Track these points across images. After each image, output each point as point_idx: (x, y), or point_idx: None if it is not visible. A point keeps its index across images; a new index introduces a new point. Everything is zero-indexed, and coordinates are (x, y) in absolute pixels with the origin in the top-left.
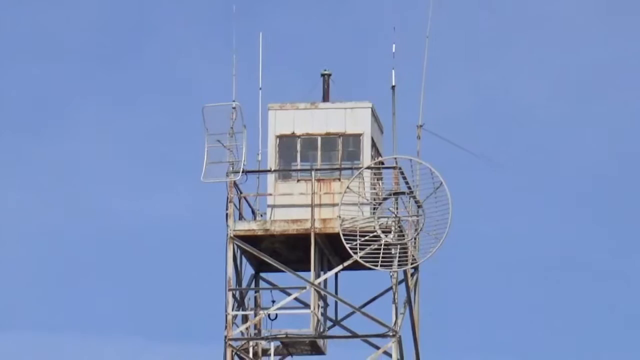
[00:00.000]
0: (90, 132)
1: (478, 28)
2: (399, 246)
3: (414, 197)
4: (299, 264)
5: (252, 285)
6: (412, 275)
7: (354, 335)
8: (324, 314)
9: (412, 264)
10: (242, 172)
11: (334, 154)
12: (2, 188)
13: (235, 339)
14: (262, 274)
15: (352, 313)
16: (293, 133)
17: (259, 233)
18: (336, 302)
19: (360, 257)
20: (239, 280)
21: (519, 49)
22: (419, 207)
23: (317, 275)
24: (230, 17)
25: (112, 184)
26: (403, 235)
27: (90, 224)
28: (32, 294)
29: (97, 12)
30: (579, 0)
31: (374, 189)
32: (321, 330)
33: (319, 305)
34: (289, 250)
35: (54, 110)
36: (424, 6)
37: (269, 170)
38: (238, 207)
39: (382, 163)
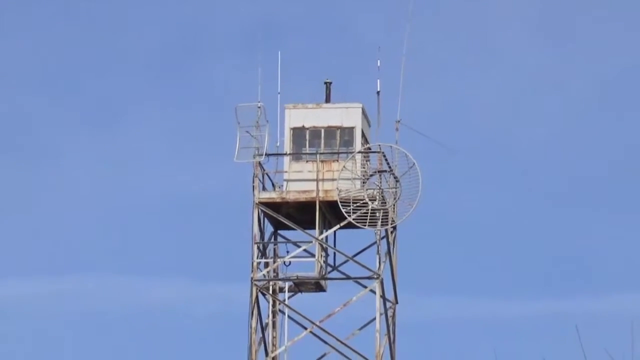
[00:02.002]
0: (152, 125)
1: (443, 48)
2: (382, 211)
3: (393, 174)
4: (307, 224)
5: (272, 240)
6: (391, 232)
7: (348, 277)
8: (325, 262)
9: (391, 224)
10: (265, 155)
11: (333, 142)
12: (83, 167)
13: (259, 280)
14: (280, 232)
15: (347, 261)
16: (303, 126)
17: (277, 200)
18: (334, 253)
19: (353, 219)
20: (262, 236)
21: (473, 64)
22: (397, 181)
23: (321, 233)
24: (256, 40)
25: (168, 164)
26: (385, 203)
27: (151, 194)
28: (106, 244)
29: (159, 35)
30: (523, 24)
31: (364, 168)
32: (323, 273)
33: (321, 255)
34: (299, 214)
35: (122, 108)
36: (401, 32)
37: (285, 154)
38: (262, 180)
39: (370, 149)
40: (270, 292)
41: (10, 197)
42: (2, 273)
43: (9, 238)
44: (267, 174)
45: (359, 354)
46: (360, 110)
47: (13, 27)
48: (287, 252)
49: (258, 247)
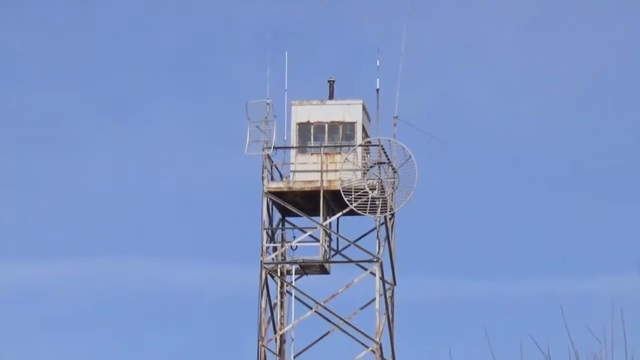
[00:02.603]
0: (170, 119)
1: (439, 48)
2: (381, 199)
3: (392, 166)
4: (312, 211)
5: (280, 226)
6: (390, 219)
7: (350, 261)
8: (329, 246)
9: (390, 211)
10: (273, 148)
11: (336, 136)
12: (106, 157)
13: (268, 263)
14: (287, 218)
15: (348, 245)
16: (308, 121)
17: (285, 190)
18: (337, 238)
19: (355, 207)
20: (270, 222)
21: (465, 63)
22: (394, 172)
23: (325, 219)
24: (265, 41)
25: (184, 156)
26: (384, 192)
27: (169, 184)
28: (127, 229)
29: (176, 35)
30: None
31: (364, 160)
32: (327, 257)
33: (325, 240)
34: (305, 202)
35: (142, 103)
36: (399, 34)
37: (292, 147)
38: (270, 171)
39: (370, 142)
40: (279, 274)
41: (41, 185)
42: (34, 255)
43: (37, 223)
44: (275, 166)
45: (360, 331)
46: (361, 106)
47: (43, 28)
48: (294, 237)
49: (267, 233)
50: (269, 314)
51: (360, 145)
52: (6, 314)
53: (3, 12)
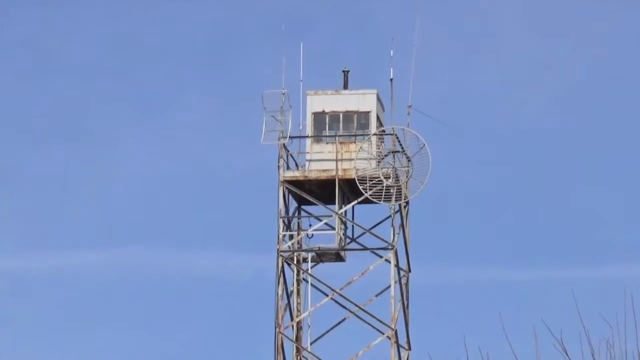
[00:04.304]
0: (191, 111)
1: (451, 38)
2: (395, 187)
3: (406, 154)
4: (328, 199)
5: (296, 215)
6: (404, 207)
7: (365, 248)
8: (344, 234)
9: (404, 199)
10: (289, 137)
11: (351, 125)
12: (132, 151)
13: (284, 251)
14: (303, 207)
15: (364, 233)
16: (323, 111)
17: (301, 178)
18: (353, 226)
19: (369, 195)
20: (286, 211)
21: (477, 53)
22: (408, 161)
23: (340, 207)
24: (281, 33)
25: (202, 146)
26: (398, 180)
27: (188, 172)
28: (151, 218)
29: (197, 31)
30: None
31: (379, 148)
32: (342, 244)
33: (341, 228)
34: (321, 191)
35: (165, 97)
36: (412, 24)
37: (307, 136)
38: (286, 160)
39: (384, 131)
40: (295, 262)
41: (73, 178)
42: (62, 244)
43: (67, 214)
44: (291, 155)
45: (375, 318)
46: (375, 96)
47: (72, 22)
48: (310, 225)
49: (283, 221)
50: (286, 301)
51: (374, 134)
52: (33, 301)
53: (33, 7)
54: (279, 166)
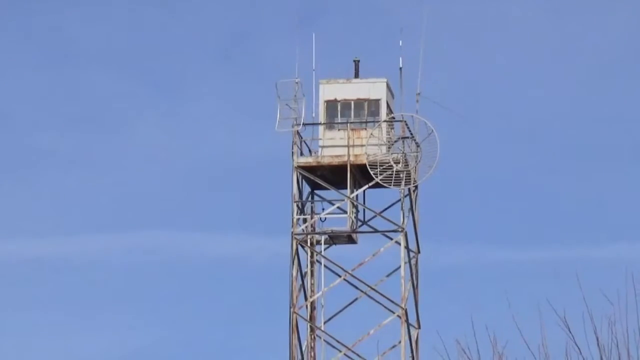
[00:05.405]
0: (207, 98)
1: (458, 29)
2: (405, 172)
3: (415, 140)
4: (340, 184)
5: (309, 199)
6: (413, 191)
7: (376, 231)
8: (356, 217)
9: (413, 183)
10: (302, 124)
11: (362, 112)
12: (151, 136)
13: (298, 234)
14: (316, 191)
15: (374, 216)
16: (335, 99)
17: (314, 164)
18: (364, 209)
19: (380, 180)
20: (300, 195)
21: (484, 42)
22: (417, 146)
23: (352, 192)
24: (294, 24)
25: (219, 134)
26: (408, 165)
27: (205, 159)
28: (170, 204)
29: (214, 22)
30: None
31: (389, 135)
32: (354, 227)
33: (353, 212)
34: (333, 175)
35: (183, 85)
36: (420, 16)
37: (320, 123)
38: (299, 147)
39: (394, 118)
40: (309, 244)
41: (95, 163)
42: (82, 230)
43: (89, 198)
44: (304, 141)
45: (386, 297)
46: (385, 84)
47: (96, 11)
48: (323, 209)
49: (297, 206)
50: (300, 282)
51: (384, 121)
52: (58, 285)
53: None
54: (292, 152)
